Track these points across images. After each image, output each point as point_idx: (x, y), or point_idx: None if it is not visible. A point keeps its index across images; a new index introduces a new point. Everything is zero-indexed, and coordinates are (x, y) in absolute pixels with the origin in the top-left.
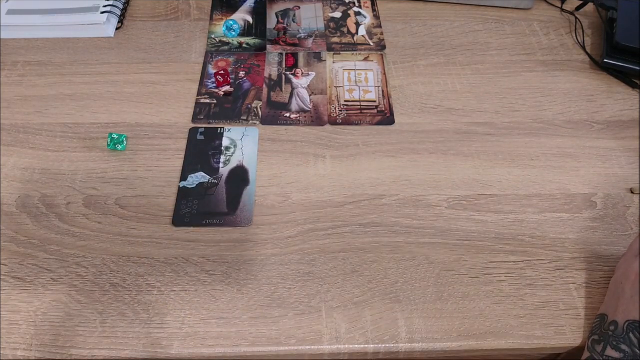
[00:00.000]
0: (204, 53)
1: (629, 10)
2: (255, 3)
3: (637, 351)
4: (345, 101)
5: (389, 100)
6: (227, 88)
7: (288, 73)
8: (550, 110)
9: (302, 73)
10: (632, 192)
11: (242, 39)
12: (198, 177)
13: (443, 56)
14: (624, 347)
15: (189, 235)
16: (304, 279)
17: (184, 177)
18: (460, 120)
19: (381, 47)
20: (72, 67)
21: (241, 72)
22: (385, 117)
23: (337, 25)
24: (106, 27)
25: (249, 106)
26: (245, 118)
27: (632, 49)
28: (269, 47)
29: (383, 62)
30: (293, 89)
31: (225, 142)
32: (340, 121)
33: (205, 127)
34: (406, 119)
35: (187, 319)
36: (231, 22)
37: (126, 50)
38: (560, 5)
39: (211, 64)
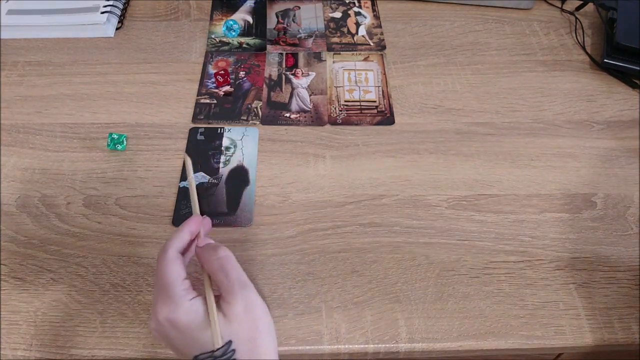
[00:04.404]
0: (204, 53)
1: (629, 10)
2: (255, 3)
3: None
4: (345, 101)
5: (389, 100)
6: (227, 88)
7: (288, 73)
8: (550, 110)
9: (302, 73)
10: None
11: (242, 39)
12: (198, 177)
13: (443, 56)
14: None
15: None
16: (304, 279)
17: (184, 177)
18: (460, 120)
19: (381, 47)
20: (72, 67)
21: (241, 72)
22: (385, 117)
23: (337, 25)
24: (106, 27)
25: (249, 106)
26: (245, 118)
27: (632, 49)
28: (269, 47)
29: (383, 62)
30: (293, 89)
31: (225, 142)
32: (340, 121)
33: (205, 127)
34: (406, 119)
35: None
36: (231, 22)
37: (126, 50)
38: (560, 5)
39: (211, 64)
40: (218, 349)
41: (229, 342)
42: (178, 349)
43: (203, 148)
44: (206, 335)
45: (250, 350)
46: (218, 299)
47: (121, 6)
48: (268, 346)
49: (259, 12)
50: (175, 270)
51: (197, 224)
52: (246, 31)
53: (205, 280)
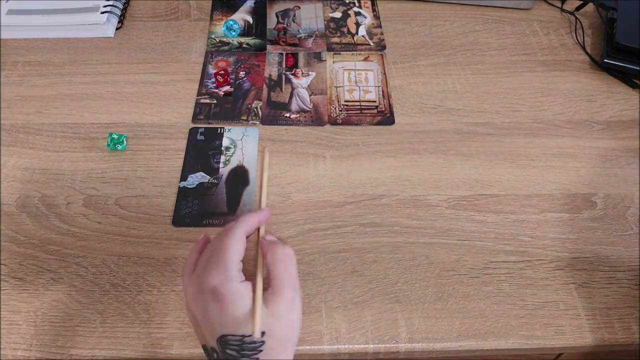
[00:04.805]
0: (204, 53)
1: (629, 10)
2: (255, 3)
3: None
4: (345, 101)
5: (389, 100)
6: (227, 88)
7: (288, 73)
8: (550, 110)
9: (302, 73)
10: None
11: (242, 39)
12: (198, 177)
13: (443, 56)
14: None
15: (189, 235)
16: (304, 279)
17: (184, 177)
18: (460, 120)
19: (381, 47)
20: (72, 67)
21: (241, 72)
22: (385, 117)
23: (337, 25)
24: (106, 27)
25: (249, 106)
26: (245, 118)
27: (632, 49)
28: (269, 47)
29: (383, 62)
30: (293, 89)
31: (225, 142)
32: (340, 121)
33: (205, 127)
34: (406, 119)
35: (187, 319)
36: (231, 22)
37: (126, 50)
38: (560, 5)
39: (211, 64)
40: (250, 335)
41: (263, 334)
42: (208, 323)
43: (203, 148)
44: (244, 319)
45: (278, 350)
46: (264, 291)
47: (121, 6)
48: (291, 351)
49: (259, 12)
50: (238, 250)
51: (267, 215)
52: (246, 31)
53: (258, 269)
